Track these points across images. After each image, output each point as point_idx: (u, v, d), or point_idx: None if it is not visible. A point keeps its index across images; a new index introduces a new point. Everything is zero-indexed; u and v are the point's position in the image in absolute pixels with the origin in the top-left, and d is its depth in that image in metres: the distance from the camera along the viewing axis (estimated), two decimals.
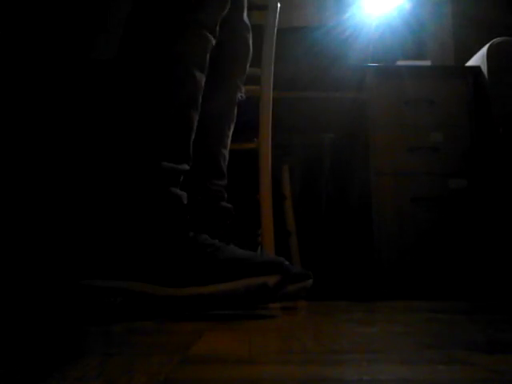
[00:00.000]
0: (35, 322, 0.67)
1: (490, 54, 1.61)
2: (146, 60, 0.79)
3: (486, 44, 1.65)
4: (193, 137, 0.82)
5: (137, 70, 0.80)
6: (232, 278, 0.70)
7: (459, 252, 1.54)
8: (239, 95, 1.03)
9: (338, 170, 1.94)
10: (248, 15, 1.04)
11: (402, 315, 0.84)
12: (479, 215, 1.56)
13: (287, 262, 0.73)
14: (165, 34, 0.79)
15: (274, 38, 1.28)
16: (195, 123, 0.82)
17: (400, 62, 1.79)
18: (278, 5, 1.29)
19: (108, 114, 0.82)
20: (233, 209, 0.99)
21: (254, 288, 0.69)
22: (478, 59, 1.69)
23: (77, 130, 1.66)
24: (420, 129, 1.62)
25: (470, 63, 1.76)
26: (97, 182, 0.82)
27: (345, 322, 0.69)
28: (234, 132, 1.02)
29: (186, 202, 0.79)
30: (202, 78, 0.82)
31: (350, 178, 1.86)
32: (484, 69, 1.63)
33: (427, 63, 1.82)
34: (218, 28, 0.84)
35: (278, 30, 1.29)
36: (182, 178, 0.80)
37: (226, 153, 1.00)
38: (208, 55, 0.82)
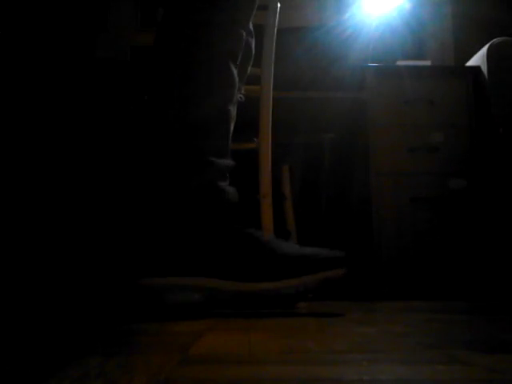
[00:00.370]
0: (35, 322, 0.67)
1: (490, 54, 1.61)
2: (188, 59, 0.80)
3: (485, 44, 1.65)
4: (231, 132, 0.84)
5: (181, 69, 0.80)
6: (302, 273, 0.72)
7: (459, 252, 1.54)
8: (239, 96, 1.04)
9: (338, 170, 1.94)
10: None
11: (401, 315, 0.84)
12: (479, 215, 1.56)
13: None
14: (207, 32, 0.81)
15: (274, 38, 1.28)
16: (234, 119, 0.84)
17: (400, 62, 1.79)
18: (278, 5, 1.29)
19: (152, 112, 0.82)
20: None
21: (323, 282, 0.73)
22: (477, 59, 1.69)
23: (78, 129, 1.66)
24: (420, 129, 1.62)
25: (470, 63, 1.76)
26: (146, 180, 0.81)
27: (345, 322, 0.69)
28: (233, 132, 1.02)
29: (235, 197, 0.81)
30: (236, 76, 0.84)
31: (349, 178, 1.86)
32: (484, 69, 1.63)
33: (427, 63, 1.82)
34: (249, 26, 0.86)
35: (278, 29, 1.29)
36: (228, 172, 0.82)
37: None
38: (241, 53, 0.85)
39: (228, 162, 0.82)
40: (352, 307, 0.91)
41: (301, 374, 0.33)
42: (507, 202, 1.51)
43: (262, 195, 1.17)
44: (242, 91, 1.05)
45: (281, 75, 1.36)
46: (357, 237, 1.75)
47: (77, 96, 1.70)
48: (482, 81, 1.63)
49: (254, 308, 0.77)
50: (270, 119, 1.28)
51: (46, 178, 1.61)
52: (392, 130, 1.62)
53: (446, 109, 1.63)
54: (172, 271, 0.73)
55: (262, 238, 0.76)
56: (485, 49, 1.64)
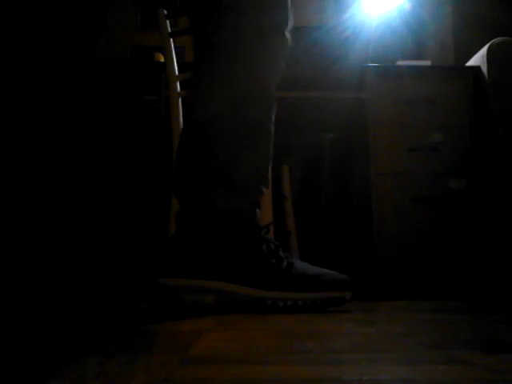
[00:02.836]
0: (35, 322, 0.67)
1: (490, 54, 1.61)
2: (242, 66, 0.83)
3: (486, 44, 1.65)
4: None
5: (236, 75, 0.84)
6: (310, 289, 0.81)
7: (459, 252, 1.54)
8: None
9: (338, 170, 1.94)
10: None
11: (402, 315, 0.84)
12: (479, 215, 1.56)
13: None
14: (258, 34, 0.83)
15: None
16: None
17: (400, 62, 1.79)
18: None
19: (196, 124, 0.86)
20: None
21: (330, 300, 0.82)
22: (477, 59, 1.69)
23: (78, 128, 1.66)
24: (420, 129, 1.62)
25: (470, 63, 1.76)
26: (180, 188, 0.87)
27: (345, 322, 0.69)
28: None
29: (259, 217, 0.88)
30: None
31: (349, 178, 1.86)
32: (484, 69, 1.63)
33: (427, 63, 1.82)
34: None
35: None
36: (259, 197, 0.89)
37: None
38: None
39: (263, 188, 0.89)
40: (352, 307, 0.91)
41: (301, 374, 0.33)
42: (507, 201, 1.51)
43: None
44: None
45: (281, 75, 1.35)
46: (357, 237, 1.75)
47: (77, 96, 1.70)
48: (482, 81, 1.63)
49: (260, 312, 0.81)
50: None
51: (46, 178, 1.61)
52: (392, 130, 1.62)
53: (446, 109, 1.63)
54: (193, 274, 0.80)
55: (287, 257, 0.85)
56: (485, 49, 1.64)
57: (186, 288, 0.80)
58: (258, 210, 0.89)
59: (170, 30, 1.35)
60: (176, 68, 1.36)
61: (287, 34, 0.87)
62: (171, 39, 1.35)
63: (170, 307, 0.81)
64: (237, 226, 0.84)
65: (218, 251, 0.82)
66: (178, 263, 0.81)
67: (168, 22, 1.35)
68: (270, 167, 0.90)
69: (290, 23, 0.88)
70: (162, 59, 2.06)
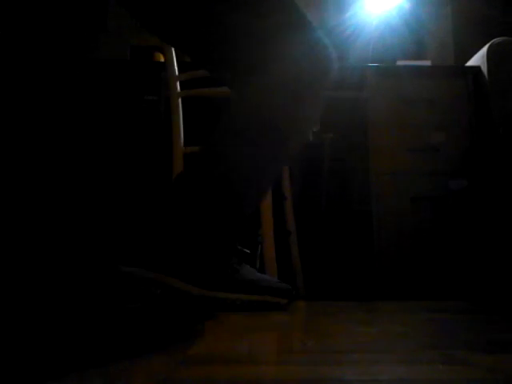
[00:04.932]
0: (35, 323, 0.67)
1: (489, 54, 1.61)
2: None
3: (486, 44, 1.65)
4: None
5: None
6: (254, 293, 0.89)
7: (459, 252, 1.54)
8: None
9: (338, 170, 1.94)
10: None
11: (401, 315, 0.84)
12: (479, 215, 1.56)
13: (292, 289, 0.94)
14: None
15: None
16: None
17: (400, 62, 1.79)
18: None
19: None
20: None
21: (268, 304, 0.89)
22: (477, 59, 1.69)
23: (78, 128, 1.66)
24: (420, 129, 1.62)
25: (470, 63, 1.76)
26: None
27: (345, 322, 0.69)
28: None
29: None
30: None
31: (350, 178, 1.86)
32: (484, 69, 1.63)
33: (427, 63, 1.82)
34: None
35: None
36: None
37: None
38: None
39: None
40: (352, 307, 0.91)
41: (301, 374, 0.33)
42: (507, 201, 1.51)
43: None
44: None
45: None
46: (357, 237, 1.75)
47: (77, 96, 1.70)
48: (482, 81, 1.63)
49: (206, 309, 0.85)
50: None
51: (46, 179, 1.61)
52: (392, 130, 1.62)
53: (446, 109, 1.63)
54: (154, 267, 0.80)
55: (236, 264, 0.91)
56: (485, 49, 1.64)
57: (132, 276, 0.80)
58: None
59: None
60: (176, 68, 1.36)
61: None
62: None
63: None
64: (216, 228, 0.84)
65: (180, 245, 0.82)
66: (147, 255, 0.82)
67: None
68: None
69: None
70: (162, 59, 2.06)
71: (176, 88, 1.35)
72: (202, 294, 0.81)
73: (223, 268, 0.88)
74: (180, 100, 1.35)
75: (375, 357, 0.39)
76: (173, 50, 1.35)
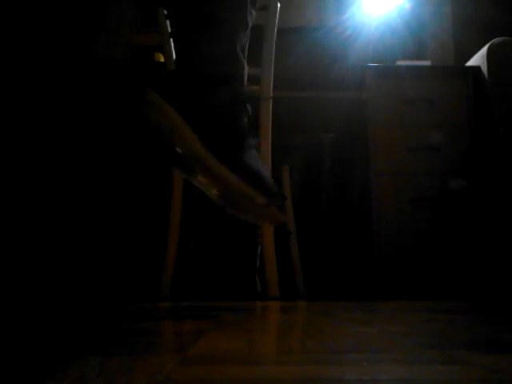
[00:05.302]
0: (35, 322, 0.67)
1: (489, 54, 1.61)
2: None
3: (486, 44, 1.65)
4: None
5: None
6: (244, 179, 0.78)
7: (459, 252, 1.54)
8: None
9: (338, 170, 1.94)
10: None
11: (401, 315, 0.84)
12: (479, 215, 1.56)
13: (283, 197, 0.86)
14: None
15: (274, 37, 1.28)
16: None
17: (400, 62, 1.79)
18: (278, 5, 1.29)
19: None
20: None
21: (246, 195, 0.79)
22: (477, 59, 1.69)
23: (78, 129, 1.66)
24: (420, 129, 1.62)
25: (470, 63, 1.76)
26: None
27: (345, 322, 0.69)
28: None
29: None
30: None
31: (349, 178, 1.86)
32: (484, 69, 1.63)
33: (427, 63, 1.82)
34: None
35: (278, 29, 1.29)
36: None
37: None
38: None
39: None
40: (352, 307, 0.91)
41: (301, 374, 0.33)
42: (507, 201, 1.51)
43: None
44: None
45: (281, 75, 1.36)
46: (357, 236, 1.75)
47: (77, 96, 1.70)
48: (482, 81, 1.63)
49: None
50: (270, 119, 1.29)
51: (46, 179, 1.61)
52: (392, 130, 1.62)
53: (446, 109, 1.63)
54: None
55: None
56: (485, 49, 1.64)
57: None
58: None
59: (170, 29, 1.35)
60: None
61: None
62: (171, 39, 1.35)
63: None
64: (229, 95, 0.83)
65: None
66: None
67: (168, 22, 1.35)
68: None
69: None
70: (162, 59, 2.06)
71: None
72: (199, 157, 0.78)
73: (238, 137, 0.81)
74: None
75: (375, 357, 0.39)
76: (173, 50, 1.35)
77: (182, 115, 0.80)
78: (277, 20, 1.28)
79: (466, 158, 1.60)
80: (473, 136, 1.61)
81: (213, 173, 0.79)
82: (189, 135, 0.79)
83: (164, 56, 1.38)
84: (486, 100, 1.61)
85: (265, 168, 0.87)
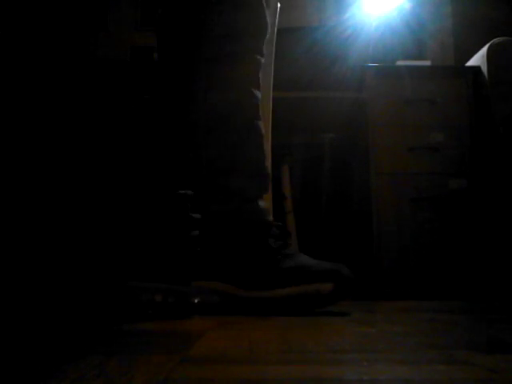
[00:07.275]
0: (35, 322, 0.67)
1: (489, 54, 1.61)
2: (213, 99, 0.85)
3: (486, 44, 1.65)
4: (265, 147, 0.90)
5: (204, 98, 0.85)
6: (290, 284, 0.79)
7: (459, 252, 1.54)
8: None
9: (338, 170, 1.94)
10: None
11: (401, 315, 0.84)
12: (479, 215, 1.56)
13: (346, 270, 0.84)
14: (228, 60, 0.86)
15: (274, 37, 1.28)
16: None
17: (400, 62, 1.79)
18: (278, 5, 1.29)
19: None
20: None
21: (307, 294, 0.79)
22: (477, 59, 1.69)
23: (78, 129, 1.66)
24: (420, 129, 1.62)
25: (470, 63, 1.76)
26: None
27: (345, 322, 0.69)
28: None
29: (270, 216, 0.89)
30: (259, 94, 0.90)
31: (349, 177, 1.86)
32: (484, 69, 1.63)
33: (427, 63, 1.82)
34: (263, 49, 0.92)
35: (277, 29, 1.29)
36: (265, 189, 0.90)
37: None
38: (260, 73, 0.90)
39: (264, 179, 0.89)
40: (352, 307, 0.91)
41: (301, 374, 0.33)
42: (507, 201, 1.51)
43: None
44: None
45: (281, 75, 1.36)
46: (357, 237, 1.75)
47: (76, 96, 1.70)
48: (482, 81, 1.63)
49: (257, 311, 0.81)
50: (270, 119, 1.28)
51: (46, 179, 1.61)
52: (392, 130, 1.62)
53: (446, 109, 1.63)
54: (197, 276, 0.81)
55: (280, 250, 0.84)
56: (485, 49, 1.64)
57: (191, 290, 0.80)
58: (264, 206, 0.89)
59: None
60: None
61: (259, 58, 0.90)
62: None
63: (178, 312, 0.81)
64: (247, 226, 0.85)
65: (226, 252, 0.83)
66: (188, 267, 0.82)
67: None
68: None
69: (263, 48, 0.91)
70: None
71: None
72: (247, 296, 0.79)
73: (264, 262, 0.82)
74: None
75: (375, 357, 0.39)
76: None
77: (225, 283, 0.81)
78: (277, 20, 1.28)
79: (465, 158, 1.60)
80: (473, 136, 1.61)
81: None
82: (231, 290, 0.80)
83: None
84: (486, 100, 1.61)
85: (308, 259, 0.86)
